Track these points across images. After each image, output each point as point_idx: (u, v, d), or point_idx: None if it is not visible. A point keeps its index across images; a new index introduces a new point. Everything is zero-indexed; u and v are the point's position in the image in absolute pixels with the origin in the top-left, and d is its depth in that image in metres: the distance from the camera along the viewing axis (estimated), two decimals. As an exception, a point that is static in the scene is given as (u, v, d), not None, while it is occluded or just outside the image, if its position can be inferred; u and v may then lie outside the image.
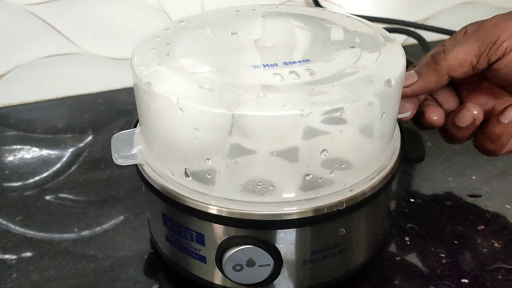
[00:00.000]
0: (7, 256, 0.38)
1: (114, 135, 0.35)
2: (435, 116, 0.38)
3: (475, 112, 0.36)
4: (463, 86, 0.40)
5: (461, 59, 0.35)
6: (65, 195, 0.45)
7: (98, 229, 0.40)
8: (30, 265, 0.37)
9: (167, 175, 0.32)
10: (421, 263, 0.37)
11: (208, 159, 0.29)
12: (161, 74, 0.30)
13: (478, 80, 0.38)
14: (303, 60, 0.31)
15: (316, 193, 0.30)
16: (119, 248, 0.39)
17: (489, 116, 0.37)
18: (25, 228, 0.41)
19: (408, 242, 0.39)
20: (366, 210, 0.32)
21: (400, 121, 0.37)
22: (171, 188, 0.31)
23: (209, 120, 0.28)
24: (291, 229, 0.30)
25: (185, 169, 0.30)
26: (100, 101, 0.60)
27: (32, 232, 0.40)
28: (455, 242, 0.39)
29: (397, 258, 0.37)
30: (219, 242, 0.31)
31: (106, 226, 0.41)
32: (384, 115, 0.31)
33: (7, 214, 0.42)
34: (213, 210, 0.30)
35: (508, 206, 0.42)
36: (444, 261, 0.37)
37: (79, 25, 0.57)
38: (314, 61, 0.31)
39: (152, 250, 0.38)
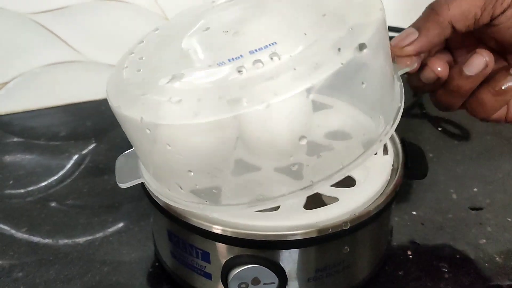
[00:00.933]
0: (13, 268, 0.38)
1: (119, 157, 0.35)
2: (439, 66, 0.36)
3: (487, 58, 0.34)
4: (457, 50, 0.39)
5: (465, 10, 0.34)
6: (69, 205, 0.45)
7: (103, 241, 0.41)
8: (36, 278, 0.37)
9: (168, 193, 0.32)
10: (423, 277, 0.37)
11: (189, 170, 0.28)
12: (129, 94, 0.29)
13: (474, 44, 0.37)
14: (270, 44, 0.28)
15: (320, 213, 0.31)
16: (125, 261, 0.39)
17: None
18: (31, 241, 0.41)
19: (410, 256, 0.39)
20: (370, 228, 0.33)
21: (403, 138, 0.37)
22: (175, 207, 0.32)
23: (176, 134, 0.27)
24: (296, 249, 0.31)
25: (176, 183, 0.30)
26: (103, 108, 0.60)
27: (37, 244, 0.41)
28: (457, 256, 0.39)
29: (400, 273, 0.38)
30: (225, 261, 0.31)
31: (111, 238, 0.41)
32: (364, 84, 0.28)
33: (12, 225, 0.43)
34: (217, 230, 0.30)
35: (509, 219, 0.42)
36: (446, 275, 0.37)
37: (82, 33, 0.57)
38: (282, 42, 0.28)
39: (157, 263, 0.39)
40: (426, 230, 0.41)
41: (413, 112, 0.58)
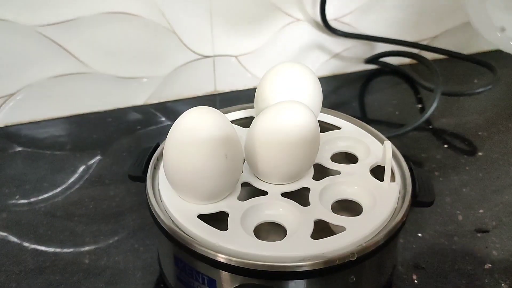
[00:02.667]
0: (19, 288, 0.39)
1: None
2: None
3: None
4: None
5: None
6: (76, 222, 0.45)
7: (109, 261, 0.41)
8: (42, 299, 0.38)
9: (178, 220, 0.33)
10: (428, 303, 0.37)
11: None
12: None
13: None
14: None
15: (327, 243, 0.31)
16: (130, 282, 0.39)
17: None
18: (37, 259, 0.41)
19: (415, 281, 0.39)
20: (377, 257, 0.33)
21: (411, 165, 0.37)
22: (182, 234, 0.32)
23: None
24: (302, 280, 0.31)
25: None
26: (109, 119, 0.60)
27: (44, 263, 0.41)
28: (463, 281, 0.39)
29: (405, 298, 0.38)
30: (231, 289, 0.31)
31: (117, 258, 0.41)
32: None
33: (19, 243, 0.43)
34: (223, 259, 0.30)
35: (515, 243, 0.42)
36: (451, 302, 0.37)
37: (88, 45, 0.57)
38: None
39: (162, 285, 0.39)
40: (431, 254, 0.41)
41: (419, 128, 0.57)
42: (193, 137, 0.32)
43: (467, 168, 0.52)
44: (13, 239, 0.43)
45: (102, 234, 0.44)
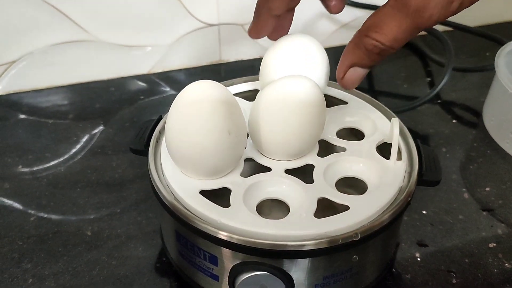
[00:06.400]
0: (22, 259, 0.39)
1: None
2: None
3: None
4: None
5: None
6: (78, 193, 0.45)
7: (112, 233, 0.41)
8: (45, 269, 0.38)
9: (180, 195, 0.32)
10: (431, 282, 0.37)
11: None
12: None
13: None
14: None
15: (330, 223, 0.30)
16: (132, 254, 0.39)
17: None
18: (39, 230, 0.41)
19: (418, 259, 0.39)
20: (380, 237, 0.32)
21: (418, 143, 0.36)
22: (184, 210, 0.31)
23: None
24: (305, 258, 0.30)
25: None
26: (111, 89, 0.59)
27: (47, 234, 0.41)
28: (466, 260, 0.39)
29: (407, 276, 0.37)
30: (232, 266, 0.31)
31: (119, 231, 0.41)
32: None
33: (21, 214, 0.43)
34: (225, 236, 0.30)
35: (521, 222, 0.42)
36: (454, 281, 0.37)
37: (91, 12, 0.56)
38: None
39: (164, 259, 0.39)
40: (435, 231, 0.41)
41: (427, 102, 0.56)
42: (195, 112, 0.31)
43: (475, 144, 0.51)
44: (17, 208, 0.43)
45: (105, 206, 0.43)
